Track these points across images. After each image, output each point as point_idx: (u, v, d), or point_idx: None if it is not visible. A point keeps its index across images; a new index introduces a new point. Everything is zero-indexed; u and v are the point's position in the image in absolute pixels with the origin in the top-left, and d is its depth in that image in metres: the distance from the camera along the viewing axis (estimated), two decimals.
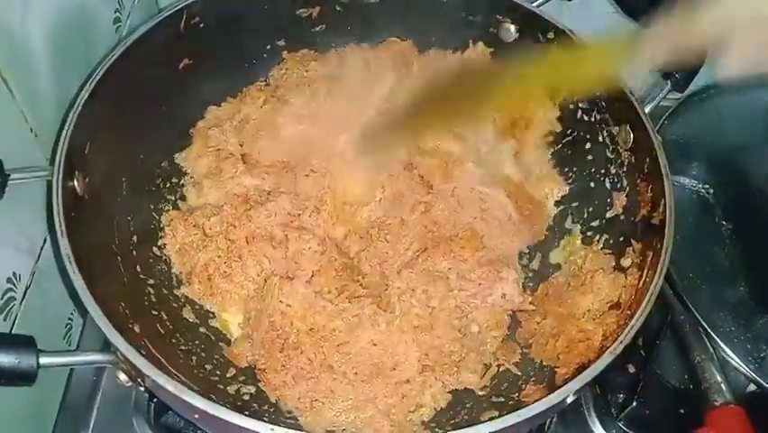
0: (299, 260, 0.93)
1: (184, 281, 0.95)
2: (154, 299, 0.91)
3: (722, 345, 0.89)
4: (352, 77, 1.08)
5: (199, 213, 0.97)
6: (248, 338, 0.90)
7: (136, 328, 0.81)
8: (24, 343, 0.64)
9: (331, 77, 1.09)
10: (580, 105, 1.01)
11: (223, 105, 1.08)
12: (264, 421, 0.63)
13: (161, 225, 0.98)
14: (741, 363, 0.88)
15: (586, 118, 1.01)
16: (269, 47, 1.11)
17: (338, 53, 1.12)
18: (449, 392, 0.87)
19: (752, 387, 0.89)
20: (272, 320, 0.88)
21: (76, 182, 0.80)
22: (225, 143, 1.04)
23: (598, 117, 0.98)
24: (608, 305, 0.87)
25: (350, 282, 0.92)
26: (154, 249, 0.96)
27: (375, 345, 0.87)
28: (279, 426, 0.63)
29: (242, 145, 1.04)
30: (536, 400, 0.66)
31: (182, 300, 0.94)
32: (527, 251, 1.01)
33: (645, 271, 0.81)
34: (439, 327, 0.89)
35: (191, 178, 1.03)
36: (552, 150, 1.07)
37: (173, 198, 1.02)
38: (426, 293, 0.91)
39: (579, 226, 1.01)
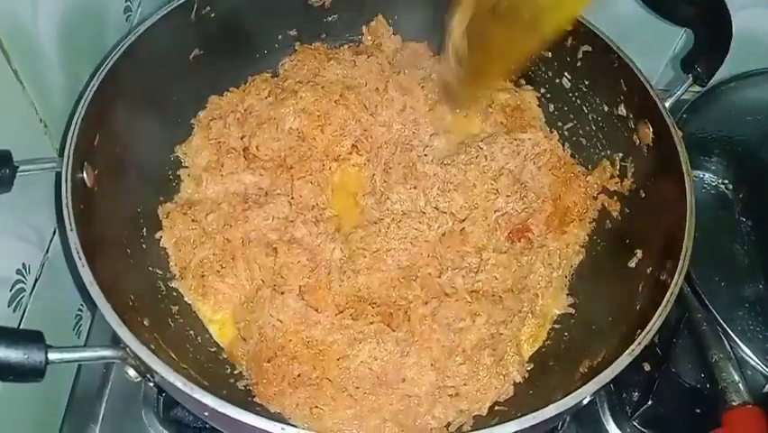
0: (286, 274, 0.89)
1: (177, 275, 0.93)
2: (164, 293, 0.91)
3: (740, 343, 0.87)
4: (365, 86, 1.06)
5: (199, 208, 0.95)
6: (242, 343, 0.88)
7: (146, 322, 0.80)
8: (33, 338, 0.63)
9: (345, 80, 1.06)
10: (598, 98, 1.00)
11: (226, 94, 1.06)
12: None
13: None
14: (759, 363, 0.86)
15: (606, 108, 0.99)
16: (280, 37, 1.10)
17: (352, 50, 1.11)
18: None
19: None
20: (263, 331, 0.86)
21: (85, 174, 0.79)
22: (228, 136, 1.01)
23: (616, 112, 0.97)
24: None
25: (357, 302, 0.89)
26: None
27: (377, 359, 0.84)
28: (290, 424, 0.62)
29: (243, 138, 1.02)
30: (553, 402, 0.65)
31: None
32: None
33: (664, 269, 0.79)
34: (463, 356, 0.85)
35: (188, 170, 1.01)
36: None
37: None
38: (451, 319, 0.87)
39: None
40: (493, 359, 0.85)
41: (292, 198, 0.96)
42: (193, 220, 0.94)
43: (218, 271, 0.91)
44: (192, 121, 1.03)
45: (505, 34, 0.84)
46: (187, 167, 1.01)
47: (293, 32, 1.10)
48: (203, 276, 0.91)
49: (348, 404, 0.81)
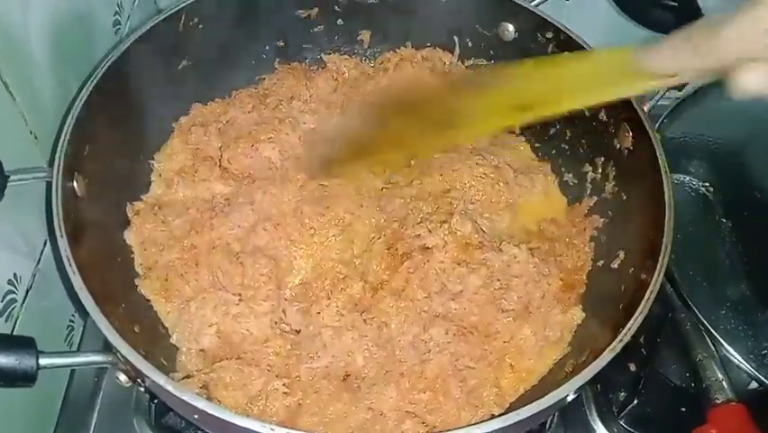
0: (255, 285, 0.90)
1: (141, 275, 0.92)
2: None
3: (723, 342, 0.88)
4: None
5: (169, 210, 0.95)
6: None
7: (136, 329, 0.81)
8: (24, 344, 0.64)
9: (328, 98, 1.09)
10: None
11: (210, 103, 1.07)
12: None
13: None
14: (742, 361, 0.87)
15: (587, 114, 1.01)
16: (267, 47, 1.11)
17: (333, 71, 1.13)
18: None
19: (753, 384, 0.88)
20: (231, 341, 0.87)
21: (75, 183, 0.80)
22: (206, 145, 1.02)
23: (597, 118, 0.98)
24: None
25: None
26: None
27: (349, 355, 0.85)
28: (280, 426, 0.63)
29: (220, 148, 1.02)
30: (536, 399, 0.66)
31: None
32: None
33: (645, 269, 0.81)
34: (425, 384, 0.84)
35: (160, 171, 1.01)
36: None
37: None
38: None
39: None
40: (461, 390, 0.83)
41: (252, 205, 0.96)
42: (163, 222, 0.94)
43: (182, 276, 0.91)
44: (173, 125, 1.04)
45: (410, 128, 0.83)
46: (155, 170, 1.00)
47: (280, 43, 1.12)
48: (167, 279, 0.91)
49: (313, 411, 0.81)
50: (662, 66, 0.61)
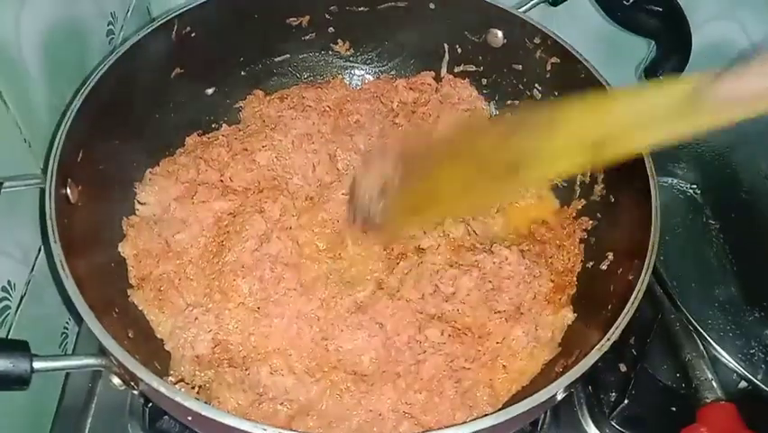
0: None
1: (135, 285, 0.92)
2: None
3: (712, 342, 0.89)
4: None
5: (165, 225, 0.95)
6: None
7: (130, 333, 0.82)
8: (18, 347, 0.64)
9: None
10: None
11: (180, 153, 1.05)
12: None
13: None
14: (731, 361, 0.88)
15: None
16: (259, 55, 1.12)
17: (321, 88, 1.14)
18: None
19: (743, 384, 0.89)
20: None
21: (68, 190, 0.80)
22: (204, 174, 1.01)
23: None
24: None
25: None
26: None
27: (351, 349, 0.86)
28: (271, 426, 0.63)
29: (220, 169, 1.02)
30: (527, 397, 0.67)
31: None
32: None
33: (633, 270, 0.82)
34: (420, 384, 0.85)
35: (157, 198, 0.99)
36: None
37: None
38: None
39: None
40: (456, 390, 0.84)
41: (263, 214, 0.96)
42: (159, 235, 0.94)
43: (177, 287, 0.91)
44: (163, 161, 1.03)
45: (462, 178, 0.77)
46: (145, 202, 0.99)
47: (273, 50, 1.12)
48: (161, 290, 0.90)
49: (313, 413, 0.81)
50: (731, 93, 0.59)
